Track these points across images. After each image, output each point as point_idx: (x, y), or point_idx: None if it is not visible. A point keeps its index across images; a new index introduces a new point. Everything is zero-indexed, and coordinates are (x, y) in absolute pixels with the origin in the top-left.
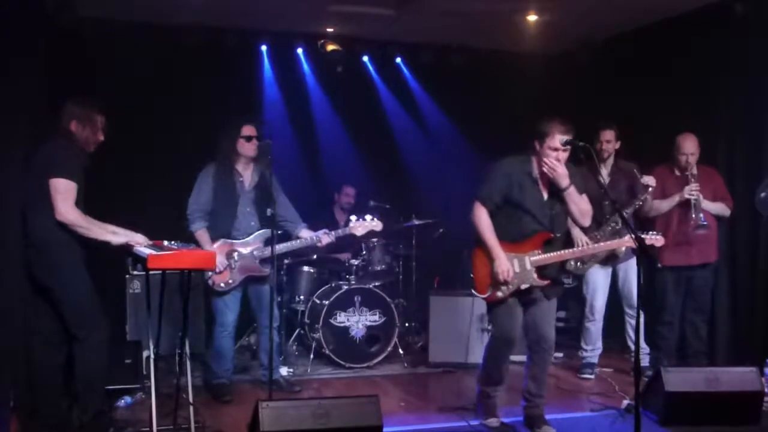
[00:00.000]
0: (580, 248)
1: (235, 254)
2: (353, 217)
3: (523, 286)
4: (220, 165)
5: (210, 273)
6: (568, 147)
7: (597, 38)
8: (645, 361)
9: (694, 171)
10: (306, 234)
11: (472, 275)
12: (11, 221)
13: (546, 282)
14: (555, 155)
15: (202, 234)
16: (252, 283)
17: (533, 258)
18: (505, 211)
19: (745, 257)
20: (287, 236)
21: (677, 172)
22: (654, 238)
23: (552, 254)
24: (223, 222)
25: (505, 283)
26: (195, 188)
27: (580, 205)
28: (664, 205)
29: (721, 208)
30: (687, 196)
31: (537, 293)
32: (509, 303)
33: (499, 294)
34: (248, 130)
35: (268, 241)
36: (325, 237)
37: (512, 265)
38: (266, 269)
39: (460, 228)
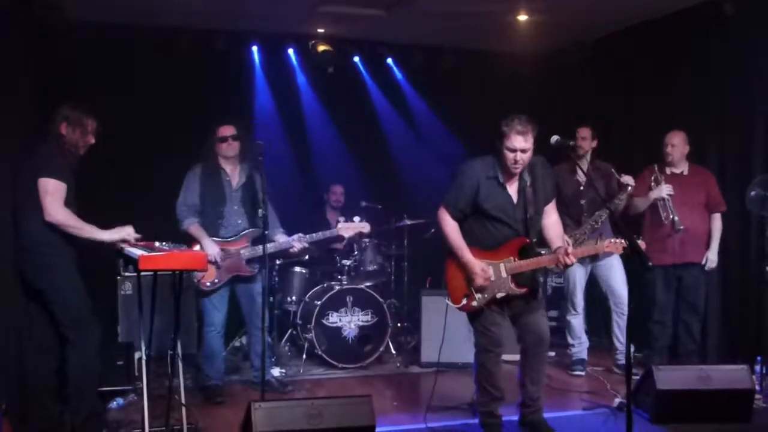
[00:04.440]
0: (556, 254)
1: (222, 253)
2: (341, 218)
3: (499, 295)
4: (206, 165)
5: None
6: (529, 149)
7: (588, 38)
8: (623, 359)
9: (684, 170)
10: (280, 238)
11: (446, 286)
12: (2, 224)
13: (523, 290)
14: (512, 156)
15: (196, 228)
16: (240, 283)
17: (509, 265)
18: (476, 217)
19: (735, 255)
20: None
21: (668, 171)
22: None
23: (529, 261)
24: (211, 221)
25: (481, 290)
26: (182, 189)
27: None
28: (640, 203)
29: (719, 232)
30: (665, 195)
31: (519, 302)
32: (493, 308)
33: (474, 303)
34: (224, 130)
35: (256, 241)
36: (297, 243)
37: None
38: (253, 269)
39: None
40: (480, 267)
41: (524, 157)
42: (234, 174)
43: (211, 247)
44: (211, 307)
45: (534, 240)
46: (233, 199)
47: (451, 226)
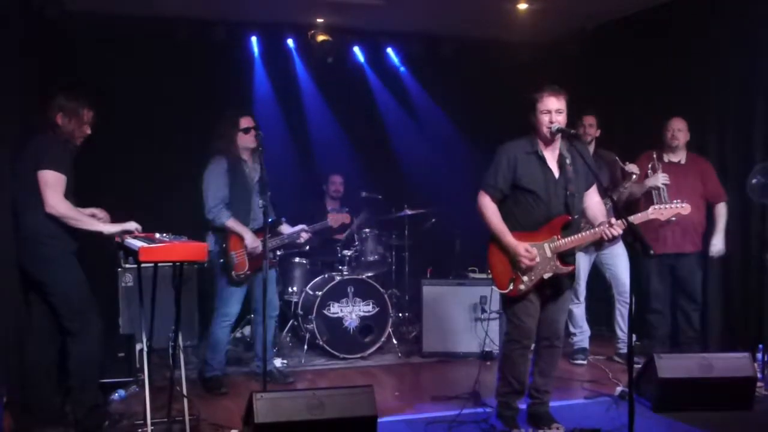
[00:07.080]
0: (600, 228)
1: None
2: (330, 209)
3: (546, 276)
4: (230, 158)
5: (235, 261)
6: (563, 111)
7: (588, 26)
8: (625, 348)
9: (681, 158)
10: (287, 230)
11: (490, 273)
12: (2, 217)
13: (570, 268)
14: (548, 118)
15: (234, 222)
16: (257, 273)
17: (553, 244)
18: (515, 197)
19: (736, 243)
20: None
21: (665, 159)
22: (681, 206)
23: (573, 237)
24: (241, 214)
25: (528, 271)
26: (211, 184)
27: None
28: (636, 189)
29: (723, 219)
30: (661, 184)
31: (550, 291)
32: (529, 298)
33: (522, 287)
34: (246, 121)
35: (273, 232)
36: (304, 234)
37: None
38: (273, 258)
39: (452, 218)
40: (524, 248)
41: (560, 119)
42: (254, 166)
43: (255, 240)
44: (232, 298)
45: (576, 217)
46: (255, 192)
47: (491, 210)
